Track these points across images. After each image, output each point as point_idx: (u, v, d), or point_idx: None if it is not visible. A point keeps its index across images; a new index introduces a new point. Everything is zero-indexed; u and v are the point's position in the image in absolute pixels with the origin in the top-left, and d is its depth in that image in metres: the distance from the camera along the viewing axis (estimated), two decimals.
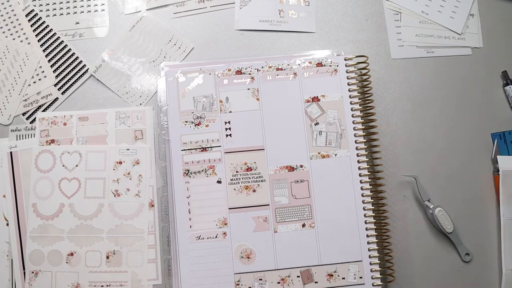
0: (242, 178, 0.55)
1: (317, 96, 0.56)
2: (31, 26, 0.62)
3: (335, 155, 0.55)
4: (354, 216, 0.54)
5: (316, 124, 0.56)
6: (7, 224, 0.56)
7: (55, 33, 0.62)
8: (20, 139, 0.58)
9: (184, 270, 0.53)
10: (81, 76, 0.60)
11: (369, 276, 0.53)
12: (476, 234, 0.57)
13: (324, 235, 0.53)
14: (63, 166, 0.56)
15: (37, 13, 0.62)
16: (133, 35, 0.62)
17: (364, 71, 0.57)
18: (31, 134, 0.58)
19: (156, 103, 0.59)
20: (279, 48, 0.62)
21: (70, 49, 0.61)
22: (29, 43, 0.61)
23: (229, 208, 0.54)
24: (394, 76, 0.61)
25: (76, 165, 0.57)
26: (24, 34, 0.61)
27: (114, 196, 0.56)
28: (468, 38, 0.63)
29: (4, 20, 0.62)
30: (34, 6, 0.63)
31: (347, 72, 0.57)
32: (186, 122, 0.56)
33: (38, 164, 0.56)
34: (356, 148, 0.55)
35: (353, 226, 0.54)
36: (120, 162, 0.57)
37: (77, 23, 0.62)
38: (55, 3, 0.63)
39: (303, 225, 0.54)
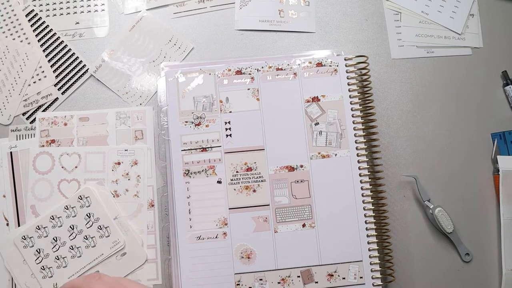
0: (242, 178, 0.55)
1: (317, 96, 0.56)
2: (31, 26, 0.62)
3: (335, 155, 0.55)
4: (354, 216, 0.54)
5: (316, 124, 0.56)
6: (7, 224, 0.56)
7: (55, 33, 0.62)
8: (20, 139, 0.58)
9: (184, 270, 0.53)
10: (81, 76, 0.60)
11: (369, 276, 0.53)
12: (476, 234, 0.57)
13: (324, 235, 0.53)
14: (62, 167, 0.56)
15: (37, 13, 0.62)
16: (133, 35, 0.62)
17: (364, 71, 0.57)
18: (31, 134, 0.58)
19: (156, 103, 0.59)
20: (279, 48, 0.62)
21: (70, 49, 0.61)
22: (29, 43, 0.61)
23: (229, 208, 0.54)
24: (394, 76, 0.61)
25: (76, 166, 0.57)
26: (24, 34, 0.61)
27: (113, 196, 0.56)
28: (468, 38, 0.63)
29: (4, 20, 0.62)
30: (34, 6, 0.63)
31: (347, 72, 0.57)
32: (186, 122, 0.56)
33: (36, 166, 0.56)
34: (356, 148, 0.55)
35: (353, 226, 0.54)
36: (119, 163, 0.57)
37: (77, 23, 0.62)
38: (55, 3, 0.63)
39: (303, 225, 0.54)
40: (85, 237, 0.54)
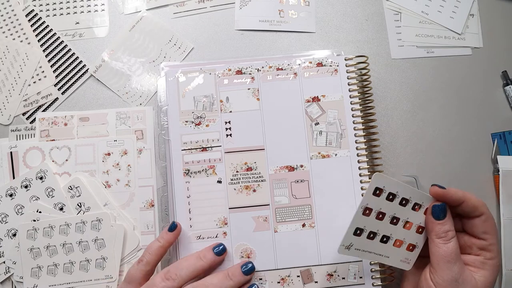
0: (242, 178, 0.55)
1: (317, 96, 0.56)
2: (31, 26, 0.62)
3: (335, 155, 0.55)
4: None
5: (317, 124, 0.56)
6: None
7: (55, 33, 0.62)
8: (20, 139, 0.58)
9: None
10: (81, 76, 0.61)
11: (369, 276, 0.53)
12: None
13: (324, 235, 0.53)
14: (53, 161, 0.57)
15: (37, 13, 0.62)
16: (133, 35, 0.62)
17: (364, 71, 0.57)
18: (31, 134, 0.58)
19: (156, 103, 0.59)
20: (279, 48, 0.62)
21: (70, 49, 0.61)
22: (29, 43, 0.61)
23: (229, 208, 0.54)
24: (394, 76, 0.61)
25: (66, 160, 0.57)
26: (24, 34, 0.61)
27: (105, 187, 0.56)
28: (468, 38, 0.63)
29: (4, 20, 0.62)
30: (34, 6, 0.63)
31: (347, 72, 0.57)
32: (186, 122, 0.56)
33: (26, 161, 0.57)
34: (356, 148, 0.55)
35: None
36: (109, 154, 0.57)
37: (77, 23, 0.62)
38: (55, 3, 0.63)
39: (303, 225, 0.54)
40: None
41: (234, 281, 0.48)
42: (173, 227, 0.51)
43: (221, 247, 0.51)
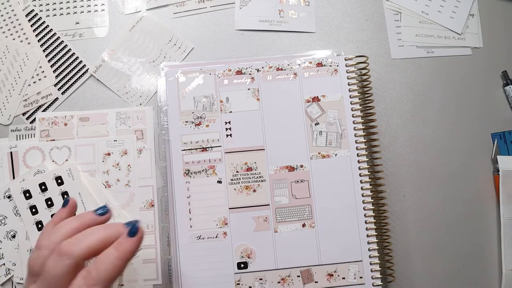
0: (243, 178, 0.55)
1: (317, 96, 0.56)
2: (31, 26, 0.62)
3: (335, 155, 0.55)
4: (354, 216, 0.54)
5: (317, 124, 0.56)
6: None
7: (55, 33, 0.62)
8: (20, 139, 0.58)
9: (184, 270, 0.53)
10: (81, 76, 0.60)
11: (369, 276, 0.53)
12: (476, 234, 0.57)
13: (324, 235, 0.54)
14: (53, 161, 0.57)
15: (37, 13, 0.62)
16: (133, 35, 0.62)
17: (364, 71, 0.57)
18: (31, 134, 0.58)
19: (156, 103, 0.59)
20: (279, 48, 0.62)
21: (70, 49, 0.61)
22: (29, 43, 0.61)
23: (230, 208, 0.54)
24: (394, 76, 0.61)
25: (66, 160, 0.57)
26: (24, 34, 0.61)
27: (105, 187, 0.56)
28: (468, 38, 0.63)
29: (4, 20, 0.62)
30: (34, 6, 0.63)
31: (347, 72, 0.57)
32: (186, 122, 0.56)
33: (26, 161, 0.57)
34: (356, 148, 0.55)
35: (353, 226, 0.54)
36: (109, 154, 0.57)
37: (77, 23, 0.62)
38: (55, 3, 0.63)
39: (303, 225, 0.54)
40: None
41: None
42: (66, 203, 0.45)
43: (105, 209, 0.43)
